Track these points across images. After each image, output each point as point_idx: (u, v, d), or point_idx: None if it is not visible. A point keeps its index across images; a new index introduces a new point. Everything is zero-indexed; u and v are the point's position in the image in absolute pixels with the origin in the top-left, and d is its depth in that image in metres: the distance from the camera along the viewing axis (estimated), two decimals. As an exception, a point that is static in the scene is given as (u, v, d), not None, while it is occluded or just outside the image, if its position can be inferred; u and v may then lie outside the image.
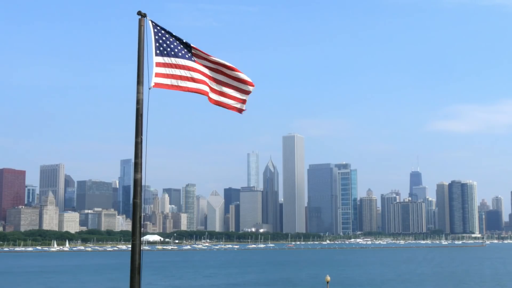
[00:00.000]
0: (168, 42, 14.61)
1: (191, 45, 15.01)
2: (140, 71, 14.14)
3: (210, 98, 15.35)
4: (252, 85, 15.36)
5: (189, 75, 14.92)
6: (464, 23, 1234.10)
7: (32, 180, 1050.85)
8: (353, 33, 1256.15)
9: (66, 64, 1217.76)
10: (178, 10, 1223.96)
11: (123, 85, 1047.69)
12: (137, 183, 13.90)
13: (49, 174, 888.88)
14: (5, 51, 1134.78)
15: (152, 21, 14.46)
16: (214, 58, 15.20)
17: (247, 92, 15.44)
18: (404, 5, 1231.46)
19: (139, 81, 14.09)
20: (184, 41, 14.91)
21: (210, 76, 15.26)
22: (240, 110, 15.62)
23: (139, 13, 14.26)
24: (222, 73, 15.31)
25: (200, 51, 15.08)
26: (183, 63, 14.81)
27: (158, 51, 14.44)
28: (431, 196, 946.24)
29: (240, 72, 15.29)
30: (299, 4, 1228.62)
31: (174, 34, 14.78)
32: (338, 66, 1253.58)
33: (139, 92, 14.05)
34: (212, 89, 15.33)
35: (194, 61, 14.93)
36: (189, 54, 14.90)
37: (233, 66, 15.25)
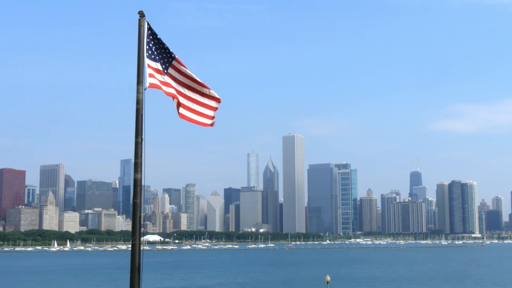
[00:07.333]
0: (154, 48, 14.68)
1: (175, 57, 15.01)
2: (140, 71, 14.15)
3: (179, 113, 15.38)
4: (219, 101, 15.75)
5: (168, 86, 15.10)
6: (466, 22, 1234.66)
7: (32, 180, 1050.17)
8: (354, 33, 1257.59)
9: (66, 64, 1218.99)
10: (182, 9, 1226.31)
11: (123, 85, 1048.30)
12: (137, 183, 13.90)
13: (49, 174, 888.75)
14: (5, 51, 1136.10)
15: (148, 23, 14.49)
16: (189, 73, 15.24)
17: (214, 109, 15.78)
18: (406, 5, 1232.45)
19: (139, 81, 14.10)
20: (169, 50, 14.89)
21: (181, 92, 15.31)
22: (209, 125, 15.90)
23: (139, 13, 14.29)
24: (193, 90, 15.44)
25: (180, 63, 15.10)
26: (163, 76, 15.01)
27: (147, 54, 14.49)
28: (431, 196, 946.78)
29: (209, 89, 15.51)
30: (301, 4, 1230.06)
31: (162, 41, 14.77)
32: (339, 66, 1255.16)
33: (139, 92, 14.06)
34: (182, 105, 15.36)
35: (166, 74, 14.96)
36: (164, 66, 14.90)
37: (203, 83, 15.45)
